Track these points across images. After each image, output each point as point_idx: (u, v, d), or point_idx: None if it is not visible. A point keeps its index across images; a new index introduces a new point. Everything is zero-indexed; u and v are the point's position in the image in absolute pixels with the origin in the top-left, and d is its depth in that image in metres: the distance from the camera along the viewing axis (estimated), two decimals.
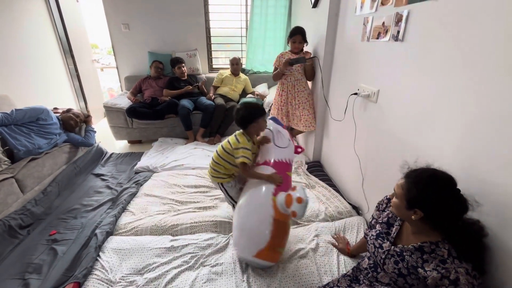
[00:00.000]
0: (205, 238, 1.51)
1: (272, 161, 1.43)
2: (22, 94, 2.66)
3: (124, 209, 1.79)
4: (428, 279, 0.81)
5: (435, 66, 1.09)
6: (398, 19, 1.30)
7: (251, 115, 1.39)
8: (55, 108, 2.54)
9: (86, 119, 2.55)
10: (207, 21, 3.48)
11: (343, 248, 1.41)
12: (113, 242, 1.48)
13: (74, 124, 2.37)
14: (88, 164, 2.43)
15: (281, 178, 1.37)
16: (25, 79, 2.81)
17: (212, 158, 1.51)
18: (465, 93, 0.96)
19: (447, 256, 0.82)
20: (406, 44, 1.26)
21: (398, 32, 1.30)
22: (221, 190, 1.58)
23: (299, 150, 1.61)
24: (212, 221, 1.64)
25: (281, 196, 1.28)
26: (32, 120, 2.05)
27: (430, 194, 0.82)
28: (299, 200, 1.21)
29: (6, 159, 1.82)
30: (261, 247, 1.24)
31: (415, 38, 1.20)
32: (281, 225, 1.29)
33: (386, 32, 1.40)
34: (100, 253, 1.40)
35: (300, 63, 2.15)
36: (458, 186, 0.84)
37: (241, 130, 1.46)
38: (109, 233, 1.56)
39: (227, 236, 1.54)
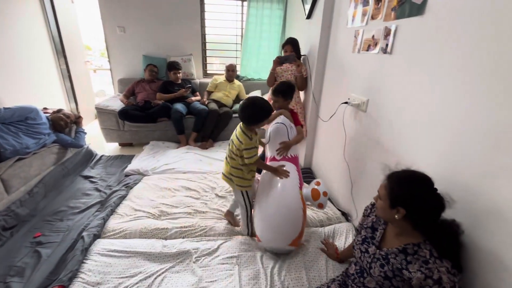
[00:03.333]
0: (196, 242, 1.50)
1: (289, 155, 1.56)
2: (12, 93, 2.60)
3: (112, 211, 1.76)
4: (413, 280, 0.85)
5: (421, 79, 1.16)
6: (387, 33, 1.37)
7: (261, 116, 1.37)
8: (45, 108, 2.50)
9: (76, 120, 2.52)
10: (203, 27, 3.53)
11: (332, 253, 1.44)
12: (101, 245, 1.45)
13: (64, 125, 2.34)
14: (77, 166, 2.38)
15: (286, 172, 1.46)
16: (16, 78, 2.75)
17: (232, 167, 1.46)
18: (448, 105, 1.02)
19: (429, 256, 0.86)
20: (394, 57, 1.33)
21: (387, 45, 1.37)
22: (242, 196, 1.52)
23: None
24: (203, 225, 1.64)
25: (307, 190, 1.47)
26: (21, 119, 2.01)
27: (411, 191, 0.88)
28: (325, 194, 1.44)
29: None
30: (295, 236, 1.38)
31: (403, 51, 1.27)
32: (305, 214, 1.45)
33: (376, 44, 1.47)
34: (87, 256, 1.37)
35: (289, 61, 2.24)
36: (439, 188, 0.89)
37: (245, 127, 1.40)
38: (97, 236, 1.53)
39: (218, 240, 1.53)
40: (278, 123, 1.56)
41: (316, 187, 1.45)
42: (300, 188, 1.48)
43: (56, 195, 1.99)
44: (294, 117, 1.69)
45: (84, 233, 1.52)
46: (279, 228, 1.38)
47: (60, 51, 3.37)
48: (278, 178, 1.45)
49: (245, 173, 1.46)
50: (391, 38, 1.33)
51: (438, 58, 1.06)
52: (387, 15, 1.37)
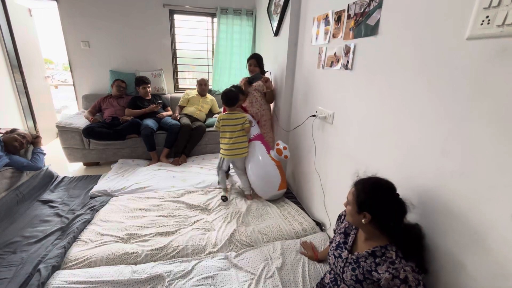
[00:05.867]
0: (169, 265, 1.43)
1: (253, 135, 2.24)
2: None
3: (75, 238, 1.62)
4: (382, 280, 0.89)
5: (377, 93, 1.25)
6: (347, 50, 1.47)
7: (237, 96, 2.11)
8: None
9: (34, 140, 2.33)
10: (173, 42, 3.52)
11: (312, 255, 1.51)
12: (61, 277, 1.32)
13: (19, 146, 2.14)
14: (34, 190, 2.18)
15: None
16: None
17: (237, 142, 2.08)
18: (401, 117, 1.11)
19: (395, 257, 0.91)
20: (355, 72, 1.42)
21: (348, 62, 1.47)
22: (245, 162, 2.19)
23: (257, 121, 2.38)
24: (175, 245, 1.57)
25: (273, 151, 2.12)
26: None
27: (375, 197, 0.94)
28: (285, 148, 2.06)
29: None
30: (279, 183, 2.08)
31: (361, 67, 1.37)
32: (280, 166, 2.15)
33: (338, 61, 1.57)
34: None
35: (257, 80, 2.37)
36: (400, 193, 0.96)
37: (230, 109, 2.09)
38: (56, 267, 1.39)
39: (192, 260, 1.48)
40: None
41: (277, 147, 2.08)
42: (269, 152, 2.14)
43: (9, 224, 1.79)
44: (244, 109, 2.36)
45: (41, 266, 1.37)
46: (266, 183, 2.09)
47: (16, 66, 3.14)
48: (255, 151, 2.14)
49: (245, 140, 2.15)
50: (351, 55, 1.44)
51: (391, 75, 1.16)
52: (346, 34, 1.48)
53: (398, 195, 0.96)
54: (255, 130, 2.24)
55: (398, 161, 1.13)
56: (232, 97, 2.07)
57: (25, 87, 3.24)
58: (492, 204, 0.77)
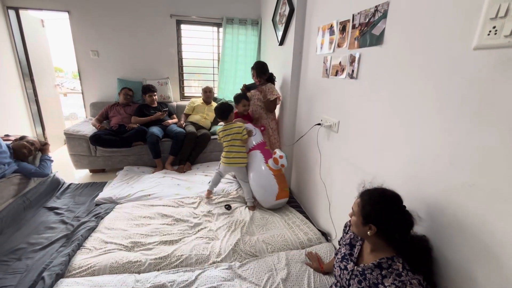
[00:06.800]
0: (172, 274, 1.42)
1: (254, 144, 2.26)
2: None
3: (80, 246, 1.62)
4: None
5: (383, 102, 1.24)
6: (352, 60, 1.47)
7: (230, 109, 2.18)
8: (7, 135, 2.33)
9: (42, 147, 2.36)
10: (179, 51, 3.58)
11: (317, 267, 1.47)
12: (64, 285, 1.32)
13: (28, 153, 2.18)
14: (41, 197, 2.20)
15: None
16: None
17: (236, 151, 2.14)
18: (408, 127, 1.09)
19: (402, 269, 0.89)
20: (360, 81, 1.42)
21: (353, 71, 1.47)
22: (246, 171, 2.22)
23: (262, 128, 2.40)
24: (179, 254, 1.56)
25: (270, 160, 2.13)
26: None
27: (381, 209, 0.92)
28: (281, 157, 2.02)
29: None
30: (276, 192, 2.07)
31: (367, 76, 1.37)
32: (278, 175, 2.13)
33: (343, 70, 1.57)
34: None
35: (253, 88, 2.52)
36: (407, 205, 0.94)
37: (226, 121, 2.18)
38: (60, 275, 1.39)
39: (196, 270, 1.46)
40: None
41: (274, 155, 2.08)
42: (266, 161, 2.14)
43: (15, 231, 1.80)
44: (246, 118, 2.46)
45: (45, 273, 1.37)
46: (264, 193, 2.10)
47: (27, 74, 3.23)
48: (255, 160, 2.18)
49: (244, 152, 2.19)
50: (356, 64, 1.44)
51: (397, 84, 1.15)
52: (351, 43, 1.49)
53: (404, 207, 0.94)
54: (256, 139, 2.25)
55: (405, 171, 1.12)
56: (223, 110, 2.15)
57: (35, 95, 3.33)
58: (505, 218, 0.75)
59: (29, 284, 1.33)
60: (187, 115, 3.33)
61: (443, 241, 0.94)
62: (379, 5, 1.24)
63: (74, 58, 3.30)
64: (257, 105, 2.49)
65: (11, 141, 2.18)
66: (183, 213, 2.02)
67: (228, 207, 2.09)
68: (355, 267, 1.02)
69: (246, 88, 2.53)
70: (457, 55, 0.88)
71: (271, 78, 2.51)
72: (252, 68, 2.47)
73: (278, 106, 2.53)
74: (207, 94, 3.30)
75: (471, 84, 0.83)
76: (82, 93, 3.46)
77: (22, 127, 3.19)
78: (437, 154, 0.95)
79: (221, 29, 3.51)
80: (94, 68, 3.35)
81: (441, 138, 0.94)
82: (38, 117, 3.42)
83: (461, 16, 0.86)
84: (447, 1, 0.91)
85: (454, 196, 0.89)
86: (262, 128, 2.41)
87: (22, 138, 2.25)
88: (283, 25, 2.34)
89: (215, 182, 2.29)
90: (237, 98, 2.36)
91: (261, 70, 2.42)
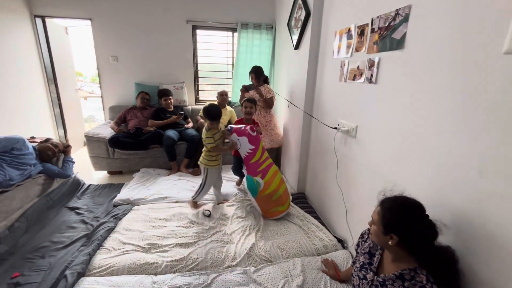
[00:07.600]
0: (188, 277, 1.43)
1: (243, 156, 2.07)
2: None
3: (99, 246, 1.67)
4: None
5: (404, 107, 1.21)
6: (371, 64, 1.45)
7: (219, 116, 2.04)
8: (32, 137, 2.45)
9: (65, 149, 2.46)
10: (195, 56, 3.65)
11: (333, 274, 1.44)
12: (85, 284, 1.36)
13: (52, 155, 2.28)
14: (63, 197, 2.29)
15: (235, 144, 2.02)
16: (4, 107, 2.72)
17: (204, 152, 2.12)
18: (431, 132, 1.06)
19: (425, 281, 0.85)
20: (379, 86, 1.40)
21: (372, 75, 1.44)
22: (205, 172, 2.13)
23: (255, 133, 2.06)
24: (195, 257, 1.57)
25: (250, 177, 2.03)
26: (6, 150, 1.95)
27: (403, 219, 0.89)
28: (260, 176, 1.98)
29: None
30: (261, 213, 2.08)
31: (386, 81, 1.34)
32: (262, 198, 2.00)
33: (361, 74, 1.55)
34: None
35: (251, 89, 2.74)
36: (431, 214, 0.90)
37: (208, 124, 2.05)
38: (81, 274, 1.43)
39: (211, 274, 1.46)
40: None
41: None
42: (249, 173, 2.04)
43: (39, 229, 1.88)
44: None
45: (67, 272, 1.42)
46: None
47: (52, 79, 3.39)
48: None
49: (211, 156, 2.10)
50: (375, 69, 1.41)
51: (419, 89, 1.12)
52: (369, 48, 1.47)
53: (427, 216, 0.90)
54: (242, 151, 2.03)
55: (428, 180, 1.08)
56: (214, 115, 2.01)
57: (59, 98, 3.48)
58: None
59: (52, 282, 1.38)
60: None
61: (470, 253, 0.89)
62: (400, 8, 1.22)
63: (94, 63, 3.44)
64: (261, 107, 2.79)
65: (37, 143, 2.28)
66: (198, 216, 2.04)
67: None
68: (375, 277, 0.99)
69: (246, 88, 2.71)
70: (486, 59, 0.84)
71: (266, 80, 2.87)
72: (250, 72, 2.78)
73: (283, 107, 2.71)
74: (223, 97, 3.34)
75: (501, 91, 0.80)
76: (102, 96, 3.58)
77: (46, 129, 3.34)
78: (465, 163, 0.92)
79: (235, 34, 3.55)
80: (113, 73, 3.47)
81: (469, 147, 0.90)
82: (61, 120, 3.57)
83: (491, 18, 0.83)
84: (475, 4, 0.88)
85: (483, 206, 0.85)
86: (255, 132, 2.08)
87: (47, 140, 2.35)
88: (299, 29, 2.33)
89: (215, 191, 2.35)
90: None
91: (259, 73, 2.74)
